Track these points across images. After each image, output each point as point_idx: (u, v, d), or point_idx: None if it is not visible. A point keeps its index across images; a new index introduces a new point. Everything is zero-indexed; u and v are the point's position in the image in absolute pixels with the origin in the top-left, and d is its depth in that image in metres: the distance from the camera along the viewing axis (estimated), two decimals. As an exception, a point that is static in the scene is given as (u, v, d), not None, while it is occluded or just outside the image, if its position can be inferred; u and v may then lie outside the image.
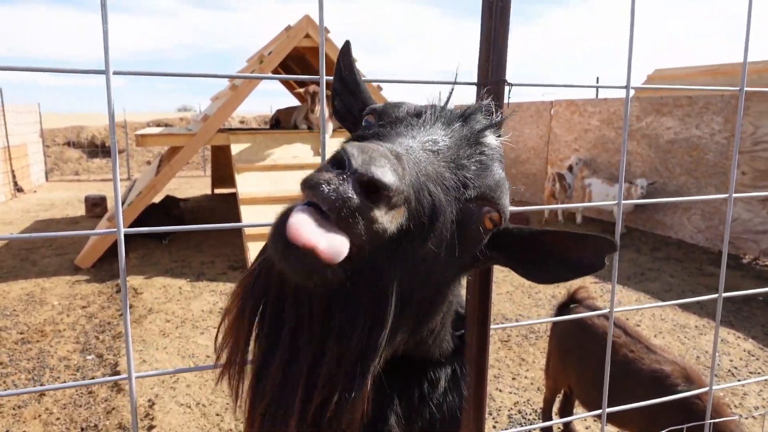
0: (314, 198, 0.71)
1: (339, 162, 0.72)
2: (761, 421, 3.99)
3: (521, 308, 6.12)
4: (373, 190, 0.71)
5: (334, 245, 0.70)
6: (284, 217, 0.74)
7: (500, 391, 4.42)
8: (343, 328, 0.85)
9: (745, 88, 1.56)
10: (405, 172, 0.79)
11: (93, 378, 4.66)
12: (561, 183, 10.14)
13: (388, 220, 0.75)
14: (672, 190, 9.25)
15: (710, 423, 1.68)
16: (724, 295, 1.70)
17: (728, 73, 12.57)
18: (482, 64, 1.29)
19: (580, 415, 1.91)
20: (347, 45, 1.34)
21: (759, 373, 4.73)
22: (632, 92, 12.48)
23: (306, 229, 0.69)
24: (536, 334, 5.43)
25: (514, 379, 4.61)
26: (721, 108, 8.43)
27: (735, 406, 4.19)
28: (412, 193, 0.82)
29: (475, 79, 1.32)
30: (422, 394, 1.29)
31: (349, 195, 0.70)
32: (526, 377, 4.65)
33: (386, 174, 0.72)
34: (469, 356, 1.41)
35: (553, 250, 1.11)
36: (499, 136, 1.08)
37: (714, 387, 1.73)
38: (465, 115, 1.04)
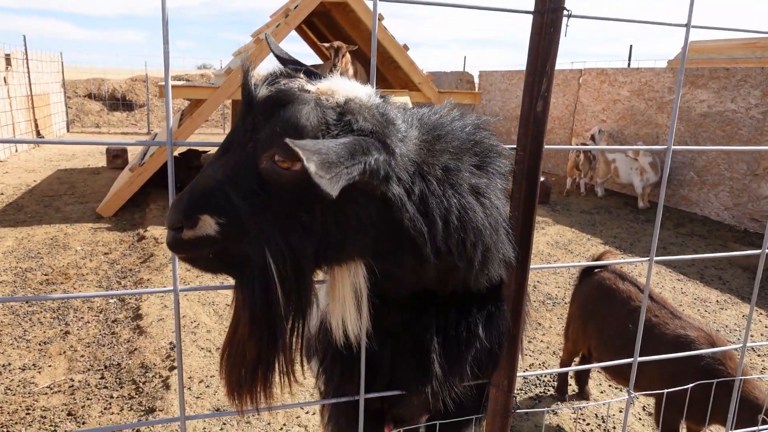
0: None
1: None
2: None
3: (539, 275, 6.09)
4: (177, 228, 1.11)
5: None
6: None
7: (516, 352, 4.43)
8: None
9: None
10: (184, 201, 1.10)
11: (116, 320, 4.76)
12: (585, 154, 9.95)
13: (193, 233, 1.09)
14: (700, 165, 9.03)
15: (740, 380, 1.64)
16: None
17: (766, 47, 12.08)
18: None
19: (610, 363, 1.89)
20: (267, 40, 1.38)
21: (780, 349, 4.68)
22: (665, 64, 12.05)
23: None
24: (553, 300, 5.41)
25: (530, 342, 4.62)
26: (760, 81, 8.12)
27: (760, 379, 4.16)
28: (191, 209, 1.09)
29: (531, 7, 1.25)
30: (469, 329, 1.29)
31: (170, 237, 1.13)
32: (542, 341, 4.65)
33: (170, 219, 1.11)
34: (507, 294, 1.38)
35: None
36: (274, 83, 1.12)
37: (748, 344, 1.69)
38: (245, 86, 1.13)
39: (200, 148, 9.93)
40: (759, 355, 4.57)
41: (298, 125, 1.03)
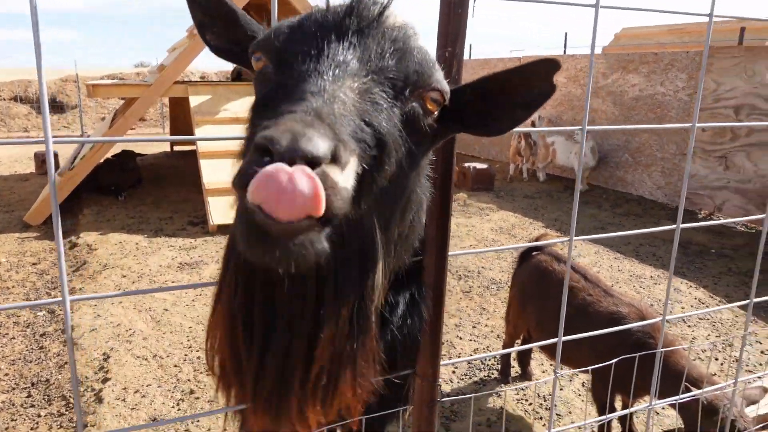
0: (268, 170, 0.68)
1: (265, 151, 0.69)
2: (707, 363, 4.15)
3: (484, 261, 6.17)
4: (316, 164, 0.69)
5: (315, 192, 0.68)
6: (247, 215, 0.71)
7: (461, 339, 4.47)
8: (339, 292, 0.85)
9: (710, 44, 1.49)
10: (334, 125, 0.75)
11: (44, 334, 4.49)
12: (526, 140, 10.16)
13: (344, 178, 0.74)
14: (633, 147, 9.38)
15: (661, 352, 1.68)
16: (682, 226, 1.68)
17: (694, 32, 12.66)
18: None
19: (535, 344, 1.90)
20: None
21: (708, 318, 4.91)
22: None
23: (286, 196, 0.67)
24: (498, 285, 5.49)
25: (474, 327, 4.66)
26: (686, 65, 8.50)
27: (684, 349, 4.34)
28: (351, 141, 0.79)
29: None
30: (383, 318, 1.24)
31: (306, 179, 0.67)
32: (486, 325, 4.70)
33: (318, 145, 0.68)
34: (428, 281, 1.35)
35: (501, 96, 1.07)
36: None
37: (666, 317, 1.73)
38: (352, 11, 0.94)
39: (135, 150, 9.52)
40: (689, 326, 4.79)
41: (435, 63, 0.98)
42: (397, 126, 0.92)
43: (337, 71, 0.87)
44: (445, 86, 1.01)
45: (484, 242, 6.94)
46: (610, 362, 1.80)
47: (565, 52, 12.05)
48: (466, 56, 14.59)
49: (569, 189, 9.92)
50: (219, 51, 1.24)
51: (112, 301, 4.96)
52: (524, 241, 6.81)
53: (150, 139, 1.24)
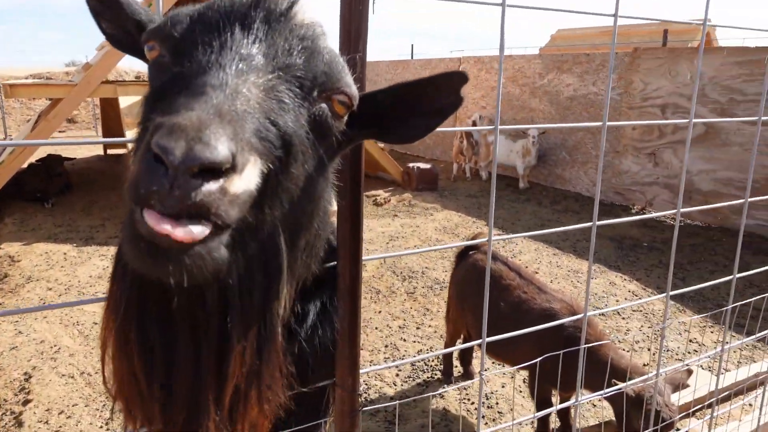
0: (152, 210, 0.65)
1: (158, 158, 0.64)
2: (640, 353, 4.31)
3: (427, 261, 6.20)
4: (210, 170, 0.64)
5: (192, 231, 0.66)
6: (134, 226, 0.68)
7: (404, 340, 4.46)
8: (244, 301, 0.80)
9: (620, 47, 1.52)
10: (235, 122, 0.70)
11: (-42, 354, 4.16)
12: (468, 140, 10.31)
13: (243, 183, 0.69)
14: (570, 145, 9.69)
15: (584, 348, 1.70)
16: (598, 223, 1.71)
17: (623, 34, 13.21)
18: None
19: (462, 345, 1.89)
20: None
21: (640, 310, 5.11)
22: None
23: (162, 226, 0.65)
24: (441, 285, 5.52)
25: (418, 328, 4.67)
26: (615, 65, 8.84)
27: (619, 341, 4.50)
28: (255, 139, 0.74)
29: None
30: (290, 330, 1.18)
31: (189, 195, 0.63)
32: (429, 326, 4.71)
33: (216, 149, 0.64)
34: (342, 287, 1.30)
35: (413, 104, 1.07)
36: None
37: (588, 313, 1.76)
38: (259, 3, 0.89)
39: (63, 154, 9.03)
40: (623, 318, 4.97)
41: (344, 66, 0.95)
42: (305, 127, 0.88)
43: (240, 65, 0.81)
44: (355, 91, 0.98)
45: (428, 242, 6.98)
46: (535, 360, 1.81)
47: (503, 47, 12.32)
48: (407, 56, 14.69)
49: (511, 187, 10.14)
50: (116, 41, 1.16)
51: (35, 316, 4.66)
52: (466, 240, 6.89)
53: (69, 142, 1.14)
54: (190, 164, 0.62)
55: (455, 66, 12.21)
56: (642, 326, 4.82)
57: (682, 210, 1.95)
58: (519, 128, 1.33)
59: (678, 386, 2.65)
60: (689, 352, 4.41)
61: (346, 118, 0.99)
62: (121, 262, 0.81)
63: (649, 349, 4.39)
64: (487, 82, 11.41)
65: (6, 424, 3.35)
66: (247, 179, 0.70)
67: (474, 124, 10.61)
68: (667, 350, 4.41)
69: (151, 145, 0.64)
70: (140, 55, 1.07)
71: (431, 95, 1.05)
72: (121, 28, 1.13)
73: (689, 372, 2.75)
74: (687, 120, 1.81)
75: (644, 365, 4.03)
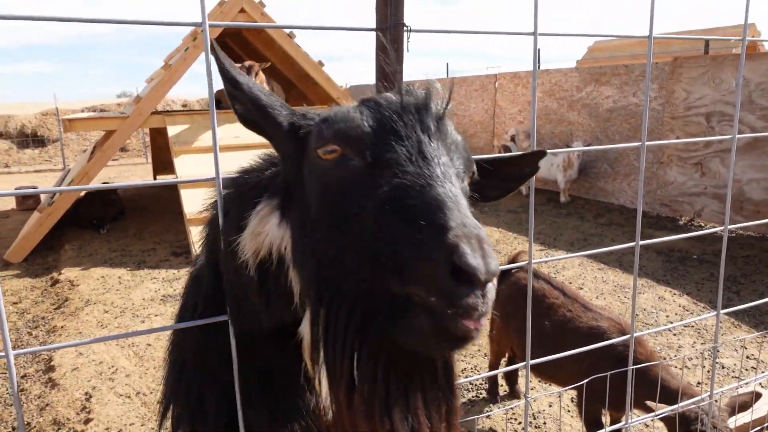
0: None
1: (465, 275, 0.80)
2: (693, 370, 4.18)
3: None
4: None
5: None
6: (447, 329, 0.85)
7: (448, 359, 4.45)
8: None
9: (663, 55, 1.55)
10: (479, 231, 0.84)
11: (25, 375, 4.41)
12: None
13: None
14: (612, 157, 9.52)
15: (632, 369, 1.70)
16: (641, 243, 1.71)
17: (662, 43, 12.95)
18: (380, 7, 1.22)
19: (505, 369, 1.91)
20: (213, 47, 1.15)
21: (693, 326, 4.95)
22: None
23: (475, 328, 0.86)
24: (484, 303, 5.49)
25: (461, 347, 4.65)
26: (655, 75, 8.68)
27: (671, 358, 4.37)
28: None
29: (373, 24, 1.24)
30: None
31: (488, 300, 0.83)
32: (473, 345, 4.69)
33: (495, 260, 0.82)
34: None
35: (499, 172, 1.26)
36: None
37: (635, 333, 1.75)
38: (428, 107, 1.03)
39: (116, 182, 9.47)
40: (675, 335, 4.82)
41: (466, 145, 1.17)
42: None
43: (445, 173, 0.96)
44: (475, 166, 1.14)
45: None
46: (582, 382, 1.81)
47: (538, 67, 12.25)
48: (443, 74, 14.79)
49: (552, 201, 10.01)
50: (244, 119, 1.17)
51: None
52: (508, 256, 6.84)
53: (107, 186, 1.22)
54: (492, 277, 0.81)
55: (491, 82, 12.22)
56: (695, 342, 4.67)
57: (729, 226, 1.93)
58: (557, 152, 1.42)
59: (739, 407, 2.56)
60: (746, 369, 4.24)
61: None
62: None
63: (703, 367, 4.25)
64: (524, 96, 11.37)
65: (70, 442, 3.53)
66: None
67: (512, 138, 10.57)
68: (723, 367, 4.26)
69: (464, 263, 0.79)
70: (265, 135, 1.16)
71: (515, 166, 1.26)
72: (254, 116, 1.15)
73: (757, 395, 2.65)
74: (730, 135, 1.80)
75: (698, 384, 3.90)
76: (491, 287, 0.83)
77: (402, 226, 0.87)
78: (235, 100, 1.15)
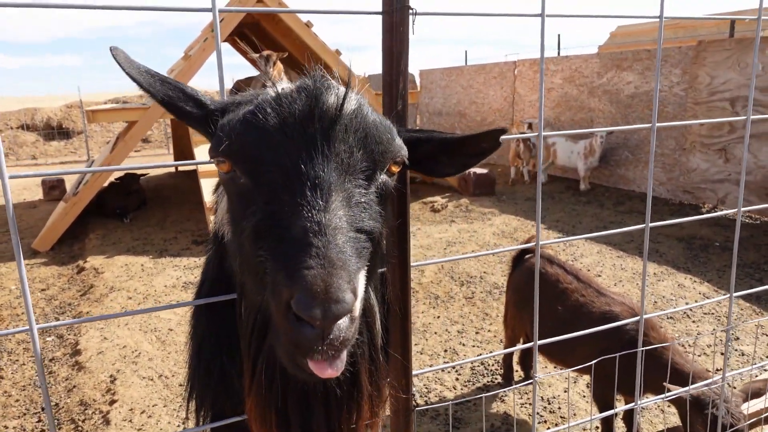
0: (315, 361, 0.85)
1: (301, 317, 0.80)
2: (712, 357, 4.14)
3: (485, 266, 6.19)
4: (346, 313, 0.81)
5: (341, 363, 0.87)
6: (300, 367, 0.87)
7: (464, 345, 4.49)
8: (352, 355, 1.04)
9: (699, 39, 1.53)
10: (345, 264, 0.82)
11: (53, 359, 4.57)
12: (525, 143, 10.18)
13: (359, 298, 0.85)
14: (633, 144, 9.37)
15: (642, 351, 1.71)
16: (651, 225, 1.71)
17: (688, 27, 12.64)
18: (385, -11, 1.23)
19: (514, 348, 1.93)
20: (114, 52, 1.13)
21: (712, 313, 4.89)
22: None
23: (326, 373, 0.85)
24: (500, 290, 5.50)
25: (477, 333, 4.68)
26: (679, 60, 8.50)
27: (690, 345, 4.34)
28: (357, 260, 0.87)
29: (379, 8, 1.26)
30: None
31: (336, 338, 0.81)
32: (489, 331, 4.72)
33: (345, 302, 0.79)
34: (394, 294, 1.39)
35: (456, 149, 1.21)
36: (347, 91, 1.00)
37: (645, 315, 1.76)
38: (312, 113, 0.94)
39: (138, 172, 9.67)
40: (693, 321, 4.77)
41: (392, 130, 1.11)
42: (377, 209, 0.98)
43: (324, 194, 0.89)
44: (405, 151, 1.05)
45: (486, 247, 6.95)
46: (590, 363, 1.83)
47: (559, 53, 12.08)
48: (461, 62, 14.67)
49: (571, 189, 9.91)
50: (171, 109, 1.19)
51: (118, 324, 5.04)
52: (520, 242, 6.82)
53: (146, 166, 1.28)
54: (333, 322, 0.79)
55: (510, 69, 12.09)
56: (714, 330, 4.62)
57: (743, 209, 1.91)
58: (562, 134, 1.39)
59: (753, 393, 2.54)
60: (766, 357, 4.18)
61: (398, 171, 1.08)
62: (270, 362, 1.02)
63: (722, 353, 4.20)
64: (544, 83, 11.24)
65: (95, 422, 3.66)
66: (360, 291, 0.85)
67: (530, 127, 10.47)
68: (742, 354, 4.21)
69: (297, 312, 0.79)
70: (192, 123, 1.17)
71: (472, 145, 1.20)
72: (176, 100, 1.16)
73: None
74: (744, 117, 1.78)
75: (717, 370, 3.87)
76: (342, 322, 0.80)
77: (266, 255, 0.87)
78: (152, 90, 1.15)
